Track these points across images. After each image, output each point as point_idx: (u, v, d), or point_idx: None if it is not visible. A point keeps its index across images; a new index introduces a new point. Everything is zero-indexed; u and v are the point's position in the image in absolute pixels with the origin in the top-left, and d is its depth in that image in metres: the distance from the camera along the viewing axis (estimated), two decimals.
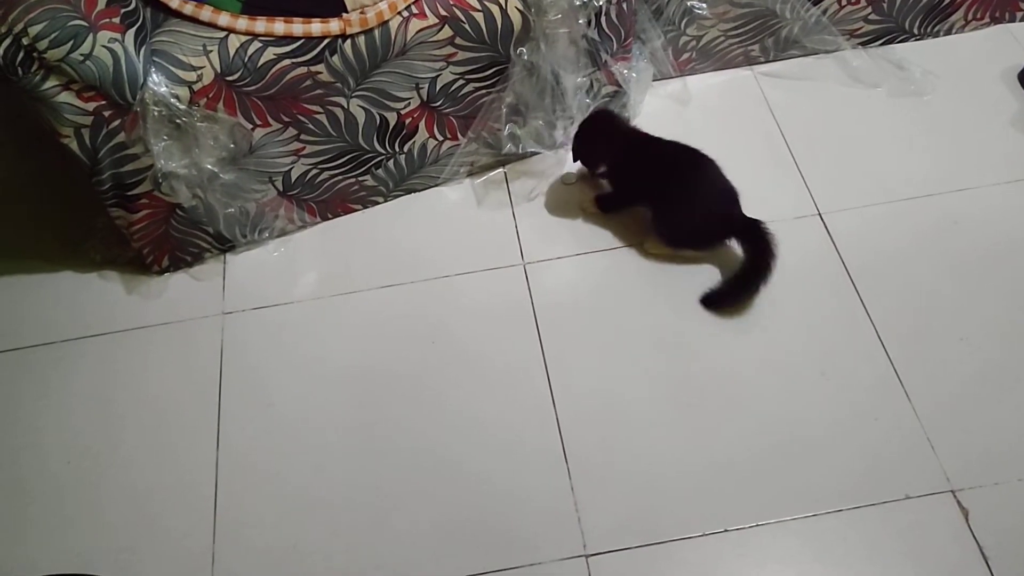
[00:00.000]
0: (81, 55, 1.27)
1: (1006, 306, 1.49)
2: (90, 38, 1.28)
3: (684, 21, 1.71)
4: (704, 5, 1.67)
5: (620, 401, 1.44)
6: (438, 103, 1.56)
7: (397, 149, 1.61)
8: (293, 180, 1.58)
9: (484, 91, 1.57)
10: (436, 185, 1.72)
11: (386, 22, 1.41)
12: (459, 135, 1.64)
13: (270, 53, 1.38)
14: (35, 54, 1.25)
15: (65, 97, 1.31)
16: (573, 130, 1.62)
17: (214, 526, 1.36)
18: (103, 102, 1.33)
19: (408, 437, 1.43)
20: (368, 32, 1.40)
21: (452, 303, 1.57)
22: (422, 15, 1.42)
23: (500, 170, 1.74)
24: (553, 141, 1.69)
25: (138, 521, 1.37)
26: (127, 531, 1.36)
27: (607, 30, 1.56)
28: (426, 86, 1.51)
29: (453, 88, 1.54)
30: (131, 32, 1.33)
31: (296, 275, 1.63)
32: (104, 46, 1.29)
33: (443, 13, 1.42)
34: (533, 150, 1.69)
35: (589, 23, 1.52)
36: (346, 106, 1.49)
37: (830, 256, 1.57)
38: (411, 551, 1.32)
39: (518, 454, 1.39)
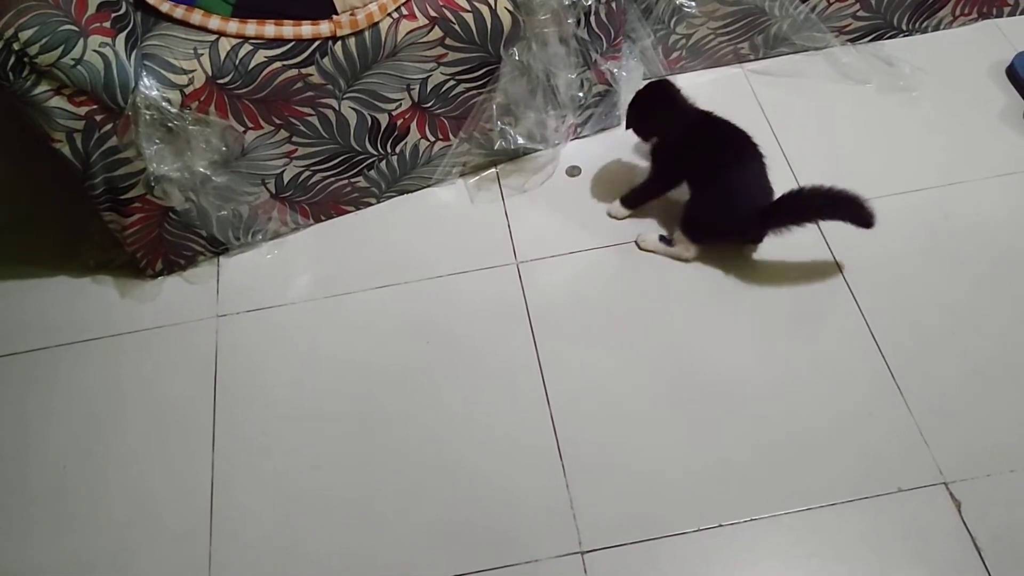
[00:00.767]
0: (72, 59, 1.27)
1: (997, 300, 1.50)
2: (81, 42, 1.28)
3: (673, 20, 1.72)
4: (693, 4, 1.68)
5: (614, 398, 1.44)
6: (429, 104, 1.56)
7: (389, 150, 1.62)
8: (286, 182, 1.58)
9: (475, 91, 1.57)
10: (429, 186, 1.72)
11: (376, 24, 1.41)
12: (451, 135, 1.64)
13: (261, 56, 1.39)
14: (26, 59, 1.25)
15: (57, 102, 1.31)
16: (626, 99, 1.60)
17: (211, 527, 1.36)
18: (95, 106, 1.34)
19: (404, 437, 1.43)
20: (358, 34, 1.41)
21: (446, 303, 1.58)
22: (412, 16, 1.42)
23: (492, 170, 1.74)
24: (545, 140, 1.69)
25: (135, 523, 1.37)
26: (124, 532, 1.36)
27: (597, 29, 1.56)
28: (417, 87, 1.52)
29: (444, 89, 1.54)
30: (122, 36, 1.34)
31: (290, 277, 1.63)
32: (95, 50, 1.29)
33: (433, 14, 1.43)
34: (525, 149, 1.70)
35: (578, 23, 1.53)
36: (337, 108, 1.49)
37: (822, 251, 1.58)
38: (408, 550, 1.32)
39: (513, 452, 1.40)
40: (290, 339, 1.56)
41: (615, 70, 1.66)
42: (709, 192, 1.54)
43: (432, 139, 1.64)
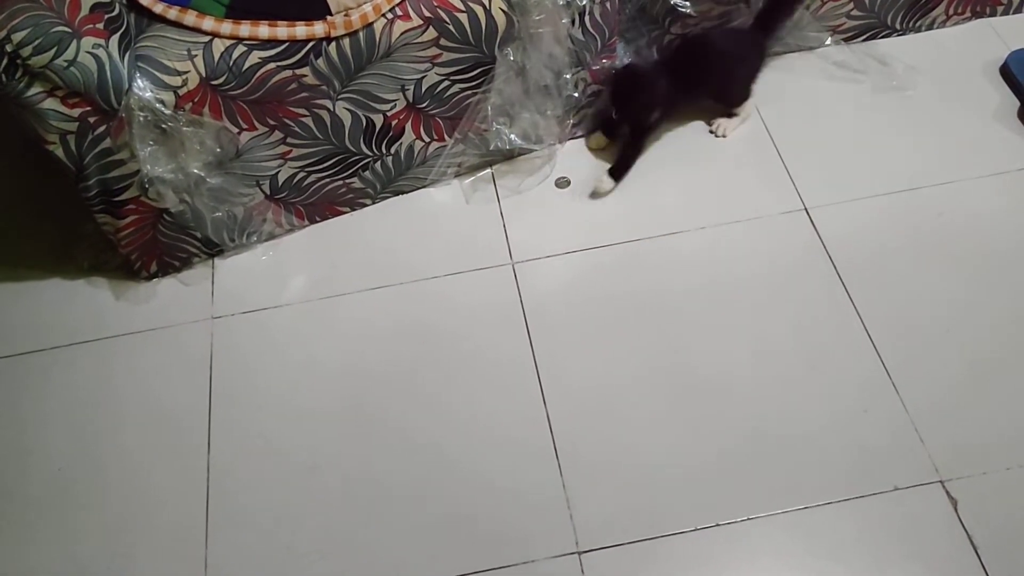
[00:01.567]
0: (65, 61, 1.27)
1: (992, 297, 1.51)
2: (74, 44, 1.28)
3: (668, 19, 1.71)
4: (688, 3, 1.68)
5: (610, 398, 1.44)
6: (424, 104, 1.56)
7: (384, 151, 1.61)
8: (280, 183, 1.58)
9: (470, 92, 1.57)
10: (424, 186, 1.72)
11: (370, 24, 1.41)
12: (446, 136, 1.64)
13: (255, 57, 1.38)
14: (19, 61, 1.25)
15: (50, 104, 1.31)
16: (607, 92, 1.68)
17: (207, 529, 1.35)
18: (88, 108, 1.33)
19: (399, 439, 1.43)
20: (353, 34, 1.41)
21: (442, 304, 1.58)
22: (406, 17, 1.42)
23: (487, 170, 1.74)
24: (540, 140, 1.69)
25: (131, 525, 1.37)
26: (120, 536, 1.36)
27: (591, 29, 1.56)
28: (412, 88, 1.52)
29: (439, 89, 1.54)
30: (115, 38, 1.33)
31: (285, 279, 1.63)
32: (88, 52, 1.29)
33: (427, 15, 1.43)
34: (520, 149, 1.70)
35: (573, 23, 1.53)
36: (332, 109, 1.49)
37: (816, 250, 1.58)
38: (404, 550, 1.32)
39: (509, 452, 1.40)
40: (285, 341, 1.55)
41: (610, 69, 1.66)
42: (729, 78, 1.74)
43: (427, 140, 1.63)
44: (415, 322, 1.55)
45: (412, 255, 1.64)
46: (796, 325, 1.50)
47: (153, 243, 1.57)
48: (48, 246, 1.70)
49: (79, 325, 1.59)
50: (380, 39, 1.42)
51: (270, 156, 1.52)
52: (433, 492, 1.37)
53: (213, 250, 1.64)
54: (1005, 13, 1.87)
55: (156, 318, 1.59)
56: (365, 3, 1.40)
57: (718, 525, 1.31)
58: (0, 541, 1.37)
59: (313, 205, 1.65)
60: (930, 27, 1.87)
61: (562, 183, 1.71)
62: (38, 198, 1.76)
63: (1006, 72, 1.78)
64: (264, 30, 1.38)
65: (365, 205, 1.71)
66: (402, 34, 1.43)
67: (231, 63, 1.38)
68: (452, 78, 1.53)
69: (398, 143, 1.61)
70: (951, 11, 1.84)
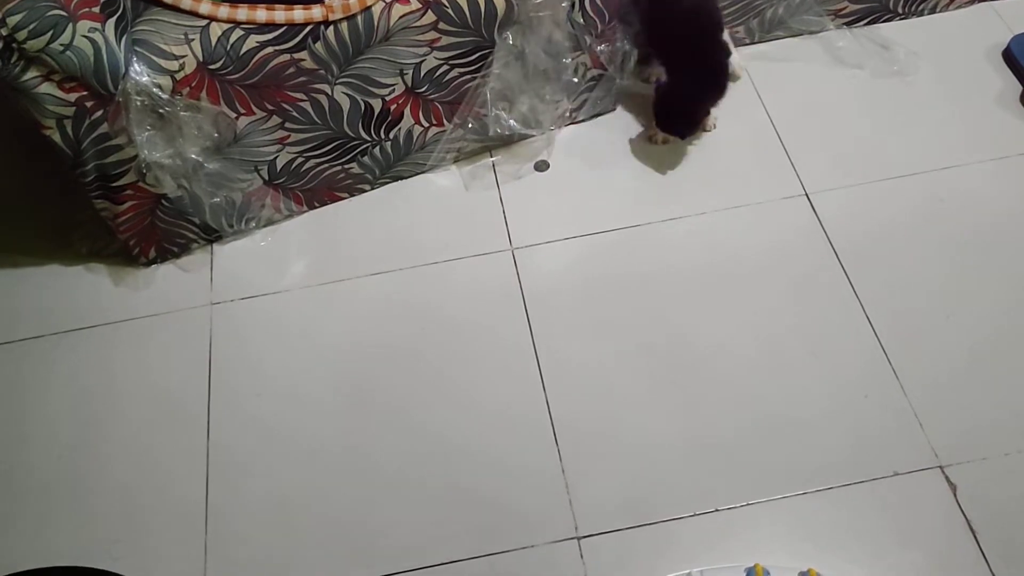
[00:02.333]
0: (61, 45, 1.26)
1: (992, 282, 1.50)
2: (70, 28, 1.27)
3: None
4: None
5: (609, 383, 1.44)
6: (423, 89, 1.55)
7: (383, 136, 1.61)
8: (279, 169, 1.57)
9: (469, 76, 1.56)
10: (423, 172, 1.72)
11: (368, 8, 1.40)
12: (445, 121, 1.63)
13: (252, 41, 1.37)
14: (14, 45, 1.24)
15: (46, 88, 1.30)
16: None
17: (206, 513, 1.36)
18: (85, 93, 1.32)
19: (399, 423, 1.43)
20: (351, 18, 1.40)
21: (441, 289, 1.57)
22: (405, 0, 1.41)
23: (487, 155, 1.73)
24: (539, 125, 1.68)
25: (129, 513, 1.37)
26: (118, 523, 1.36)
27: (591, 13, 1.55)
28: (410, 72, 1.51)
29: (438, 74, 1.53)
30: (111, 21, 1.32)
31: (284, 264, 1.63)
32: (84, 36, 1.28)
33: None
34: (520, 135, 1.69)
35: (573, 6, 1.52)
36: (330, 93, 1.48)
37: (817, 236, 1.58)
38: (404, 536, 1.32)
39: (510, 438, 1.40)
40: (285, 326, 1.55)
41: (610, 53, 1.64)
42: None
43: (426, 125, 1.63)
44: (415, 307, 1.55)
45: (411, 240, 1.63)
46: (797, 310, 1.50)
47: (151, 229, 1.56)
48: (46, 232, 1.69)
49: (78, 311, 1.59)
50: (378, 23, 1.41)
51: (268, 141, 1.52)
52: (433, 477, 1.37)
53: (212, 236, 1.63)
54: None
55: (155, 304, 1.59)
56: None
57: (717, 510, 1.31)
58: (2, 525, 1.37)
59: (312, 190, 1.65)
60: (932, 10, 1.85)
61: (541, 166, 1.70)
62: (35, 184, 1.76)
63: (1008, 56, 1.77)
64: (261, 14, 1.37)
65: (364, 191, 1.70)
66: (400, 17, 1.42)
67: (228, 47, 1.37)
68: (451, 62, 1.52)
69: (397, 128, 1.60)
70: None
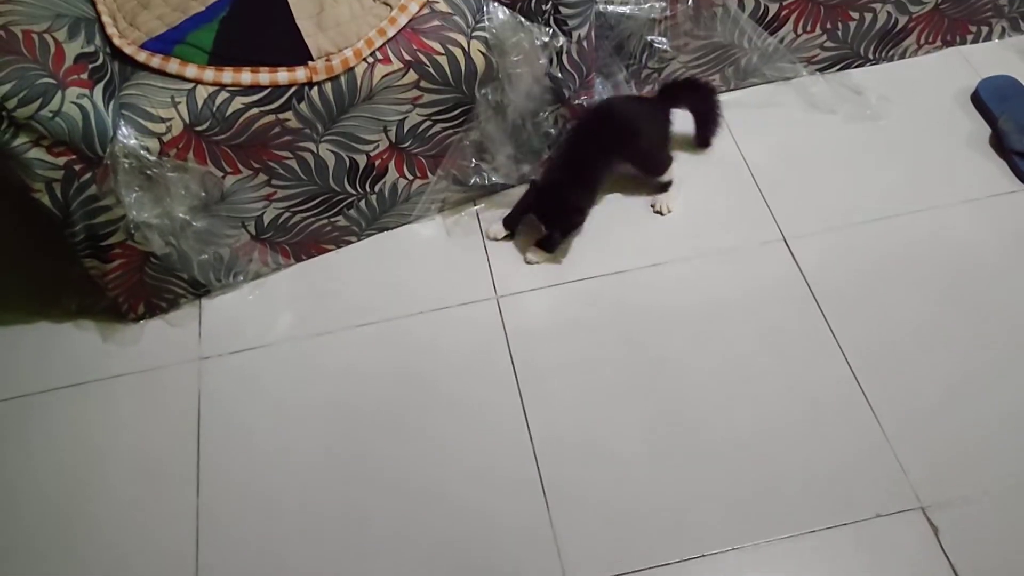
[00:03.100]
0: (50, 112, 1.29)
1: (969, 322, 1.53)
2: (59, 95, 1.30)
3: (645, 55, 1.75)
4: (664, 39, 1.71)
5: (595, 431, 1.46)
6: (406, 144, 1.58)
7: (368, 190, 1.63)
8: (266, 224, 1.60)
9: (451, 131, 1.60)
10: (408, 223, 1.74)
11: (352, 68, 1.43)
12: (428, 174, 1.67)
13: (238, 102, 1.41)
14: (4, 113, 1.26)
15: (36, 153, 1.32)
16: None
17: (196, 572, 1.36)
18: (73, 156, 1.35)
19: (387, 476, 1.44)
20: (334, 79, 1.43)
21: (427, 339, 1.59)
22: (387, 60, 1.45)
23: (470, 205, 1.76)
24: (521, 175, 1.72)
25: (122, 571, 1.37)
26: None
27: (569, 68, 1.59)
28: (394, 128, 1.54)
29: (421, 129, 1.57)
30: (100, 87, 1.35)
31: (272, 317, 1.64)
32: (73, 102, 1.31)
33: (407, 58, 1.45)
34: (502, 185, 1.72)
35: (551, 62, 1.56)
36: (316, 151, 1.51)
37: (795, 279, 1.60)
38: None
39: (496, 487, 1.41)
40: (273, 380, 1.56)
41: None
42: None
43: (410, 177, 1.66)
44: (401, 359, 1.57)
45: (398, 291, 1.66)
46: (777, 353, 1.52)
47: (140, 285, 1.58)
48: (35, 289, 1.71)
49: (67, 369, 1.60)
50: (361, 83, 1.45)
51: (255, 198, 1.54)
52: (421, 529, 1.38)
53: (200, 290, 1.65)
54: (975, 41, 1.91)
55: (144, 360, 1.60)
56: (346, 48, 1.43)
57: (703, 556, 1.32)
58: None
59: (298, 244, 1.67)
60: (902, 56, 1.90)
61: (495, 233, 1.71)
62: (23, 242, 1.77)
63: (977, 100, 1.82)
64: (246, 76, 1.40)
65: (350, 242, 1.73)
66: (383, 77, 1.45)
67: (214, 109, 1.40)
68: (433, 118, 1.56)
69: (382, 182, 1.63)
70: (922, 40, 1.88)
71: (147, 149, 1.38)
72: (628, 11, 1.65)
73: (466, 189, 1.71)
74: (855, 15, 1.79)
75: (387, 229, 1.74)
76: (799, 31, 1.79)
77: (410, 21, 1.46)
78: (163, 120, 1.38)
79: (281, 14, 1.45)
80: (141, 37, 1.43)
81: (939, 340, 1.51)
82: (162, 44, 1.42)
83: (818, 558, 1.31)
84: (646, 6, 1.66)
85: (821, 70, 1.88)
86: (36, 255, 1.74)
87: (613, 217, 1.72)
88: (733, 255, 1.65)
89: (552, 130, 1.67)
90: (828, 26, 1.80)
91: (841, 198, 1.71)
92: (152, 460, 1.48)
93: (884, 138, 1.79)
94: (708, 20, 1.71)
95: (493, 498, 1.40)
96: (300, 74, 1.41)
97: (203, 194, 1.46)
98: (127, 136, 1.36)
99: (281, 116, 1.43)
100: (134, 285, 1.58)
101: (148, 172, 1.39)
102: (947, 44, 1.91)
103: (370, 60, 1.44)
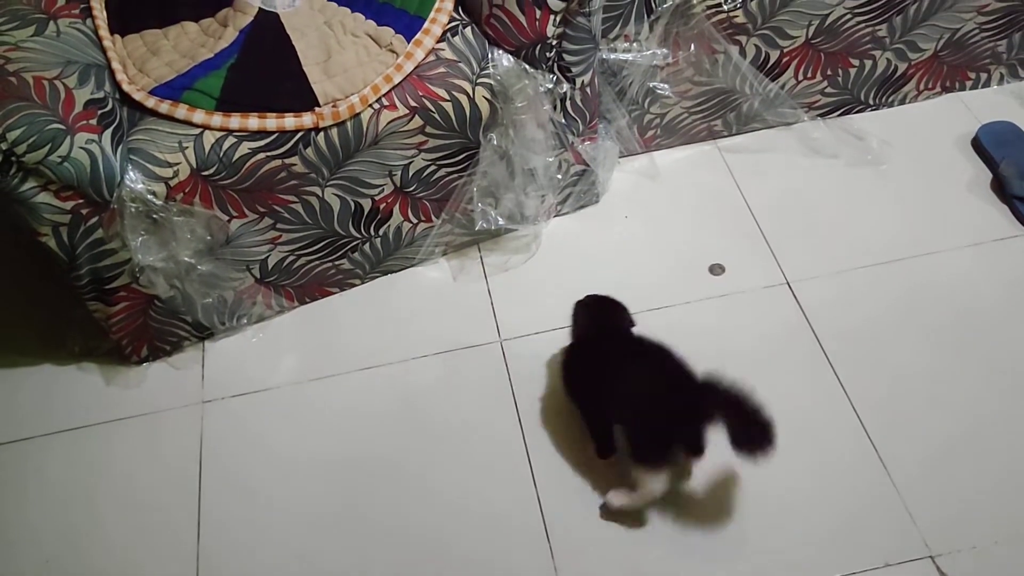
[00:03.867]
0: (59, 157, 1.30)
1: (974, 368, 1.52)
2: (68, 140, 1.31)
3: (647, 100, 1.77)
4: (666, 85, 1.73)
5: (601, 477, 1.44)
6: (411, 188, 1.59)
7: (372, 233, 1.64)
8: (270, 267, 1.60)
9: (456, 175, 1.61)
10: (412, 266, 1.75)
11: (358, 114, 1.45)
12: (433, 217, 1.67)
13: (245, 147, 1.42)
14: (13, 158, 1.27)
15: (43, 198, 1.33)
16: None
17: None
18: (81, 201, 1.36)
19: (391, 522, 1.42)
20: (340, 125, 1.45)
21: (431, 382, 1.59)
22: (392, 107, 1.46)
23: (475, 248, 1.77)
24: (525, 219, 1.72)
25: None
26: None
27: (572, 113, 1.61)
28: (399, 173, 1.55)
29: (425, 174, 1.58)
30: (108, 132, 1.37)
31: (275, 360, 1.64)
32: (81, 147, 1.32)
33: (413, 104, 1.47)
34: (506, 229, 1.73)
35: (555, 108, 1.57)
36: (321, 195, 1.52)
37: (800, 324, 1.60)
38: None
39: (500, 534, 1.39)
40: (276, 423, 1.56)
41: (592, 150, 1.70)
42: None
43: (415, 221, 1.66)
44: (405, 402, 1.56)
45: (402, 334, 1.65)
46: (782, 399, 1.50)
47: (144, 328, 1.58)
48: (38, 332, 1.71)
49: (69, 411, 1.59)
50: (367, 128, 1.46)
51: (260, 241, 1.55)
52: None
53: (203, 333, 1.65)
54: (974, 88, 1.93)
55: (147, 403, 1.60)
56: (352, 94, 1.44)
57: None
58: None
59: (303, 287, 1.68)
60: (902, 102, 1.92)
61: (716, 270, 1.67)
62: (27, 284, 1.78)
63: (977, 145, 1.83)
64: (253, 122, 1.42)
65: (354, 285, 1.73)
66: (389, 123, 1.47)
67: (221, 154, 1.41)
68: (438, 163, 1.57)
69: (386, 225, 1.64)
70: (922, 86, 1.90)
71: (154, 193, 1.39)
72: (631, 58, 1.68)
73: (470, 232, 1.72)
74: (855, 62, 1.81)
75: (391, 272, 1.74)
76: (800, 77, 1.81)
77: (416, 68, 1.48)
78: (170, 165, 1.40)
79: (289, 61, 1.47)
80: (150, 83, 1.45)
81: (945, 387, 1.51)
82: (171, 90, 1.44)
83: None
84: (648, 53, 1.68)
85: (822, 115, 1.90)
86: (40, 297, 1.75)
87: (615, 262, 1.72)
88: (737, 299, 1.65)
89: (557, 175, 1.68)
90: (828, 72, 1.82)
91: (844, 242, 1.71)
92: (153, 504, 1.47)
93: (886, 183, 1.80)
94: (710, 66, 1.73)
95: (497, 546, 1.38)
96: (307, 120, 1.43)
97: (208, 238, 1.47)
98: (134, 181, 1.38)
99: (287, 161, 1.45)
100: (138, 328, 1.58)
101: (154, 216, 1.40)
102: (946, 90, 1.93)
103: (376, 106, 1.46)
